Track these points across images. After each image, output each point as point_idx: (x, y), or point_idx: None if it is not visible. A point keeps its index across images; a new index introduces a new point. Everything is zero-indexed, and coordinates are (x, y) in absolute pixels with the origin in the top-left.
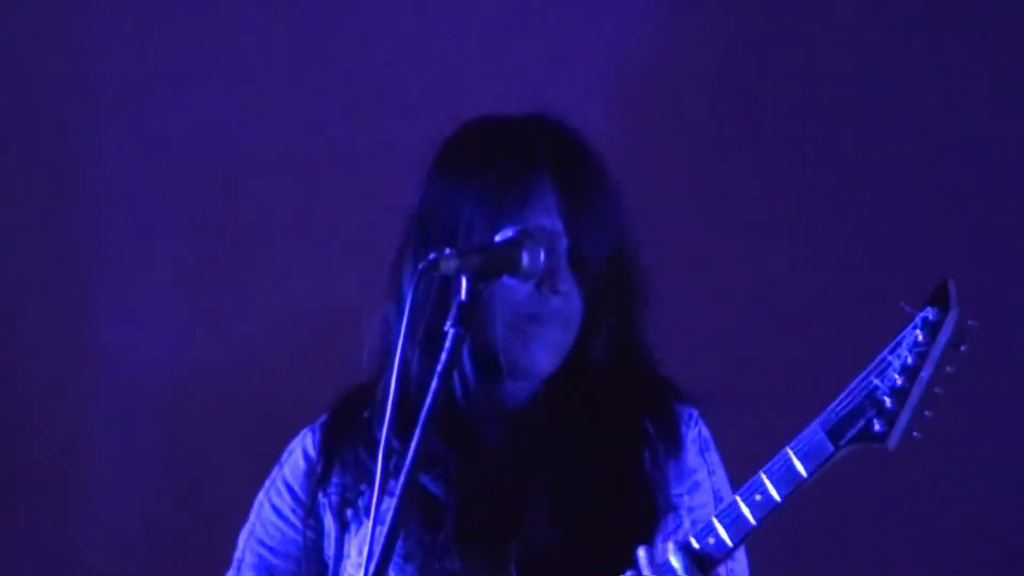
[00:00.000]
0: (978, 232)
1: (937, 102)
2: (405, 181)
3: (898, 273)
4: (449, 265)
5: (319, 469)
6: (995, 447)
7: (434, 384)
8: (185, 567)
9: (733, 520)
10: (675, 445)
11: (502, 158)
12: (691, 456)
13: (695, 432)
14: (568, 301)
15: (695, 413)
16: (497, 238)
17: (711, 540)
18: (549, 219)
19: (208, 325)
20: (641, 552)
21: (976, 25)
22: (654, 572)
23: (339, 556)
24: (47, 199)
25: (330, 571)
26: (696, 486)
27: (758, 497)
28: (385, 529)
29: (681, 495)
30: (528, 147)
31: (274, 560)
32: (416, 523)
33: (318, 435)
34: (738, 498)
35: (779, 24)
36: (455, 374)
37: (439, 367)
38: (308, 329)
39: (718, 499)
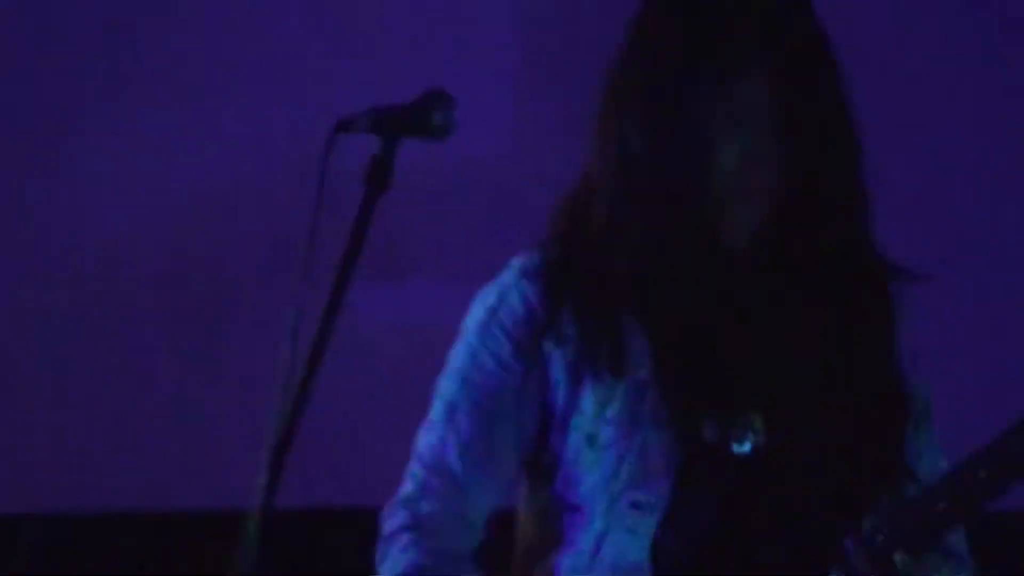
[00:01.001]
0: None
1: None
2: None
3: None
4: (361, 124)
5: (543, 318)
6: None
7: None
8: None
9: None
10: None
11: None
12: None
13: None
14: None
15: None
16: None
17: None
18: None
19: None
20: None
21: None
22: None
23: (569, 410)
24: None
25: (554, 424)
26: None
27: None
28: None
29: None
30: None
31: (492, 407)
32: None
33: (539, 283)
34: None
35: None
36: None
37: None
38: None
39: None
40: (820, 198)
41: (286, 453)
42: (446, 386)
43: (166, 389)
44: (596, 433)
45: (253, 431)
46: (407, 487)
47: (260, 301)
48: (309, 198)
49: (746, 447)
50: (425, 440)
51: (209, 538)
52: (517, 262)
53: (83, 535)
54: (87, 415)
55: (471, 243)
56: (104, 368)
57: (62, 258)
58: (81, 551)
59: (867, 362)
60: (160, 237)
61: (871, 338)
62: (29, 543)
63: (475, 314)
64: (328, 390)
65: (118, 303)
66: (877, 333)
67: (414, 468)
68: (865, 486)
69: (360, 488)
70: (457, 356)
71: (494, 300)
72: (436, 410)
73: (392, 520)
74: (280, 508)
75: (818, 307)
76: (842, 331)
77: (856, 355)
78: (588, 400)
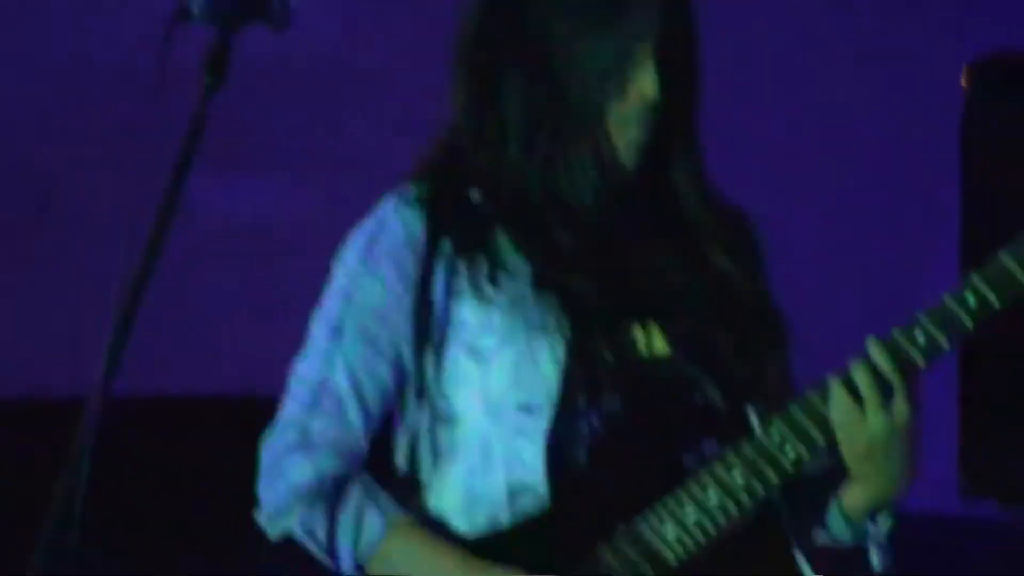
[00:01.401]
0: None
1: None
2: None
3: None
4: (198, 11)
5: (423, 240)
6: None
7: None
8: None
9: (942, 319)
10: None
11: None
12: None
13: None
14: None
15: None
16: None
17: (920, 338)
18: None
19: None
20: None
21: None
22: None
23: (449, 326)
24: None
25: (435, 341)
26: None
27: (971, 301)
28: None
29: None
30: None
31: (377, 328)
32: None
33: (418, 209)
34: (949, 298)
35: None
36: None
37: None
38: None
39: None
40: (683, 135)
41: (124, 344)
42: (329, 310)
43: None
44: (477, 345)
45: (92, 322)
46: (292, 408)
47: (98, 194)
48: (150, 89)
49: (630, 353)
50: (308, 363)
51: (47, 426)
52: (393, 194)
53: None
54: None
55: (311, 136)
56: None
57: None
58: None
59: (745, 281)
60: None
61: (745, 262)
62: None
63: (355, 244)
64: (167, 283)
65: None
66: (750, 259)
67: (298, 390)
68: (740, 399)
69: (196, 378)
70: (338, 282)
71: (374, 227)
72: (318, 334)
73: (279, 440)
74: (119, 396)
75: (695, 227)
76: (722, 250)
77: (734, 274)
78: (468, 313)
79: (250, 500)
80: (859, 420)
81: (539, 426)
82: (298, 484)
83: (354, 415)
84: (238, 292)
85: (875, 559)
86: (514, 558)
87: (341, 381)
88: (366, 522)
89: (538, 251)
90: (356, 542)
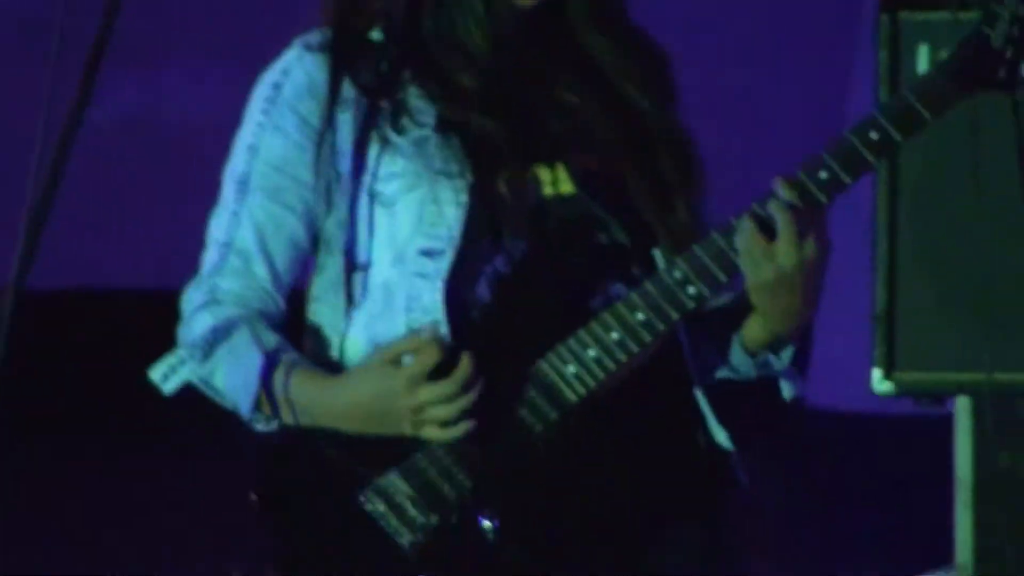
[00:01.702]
0: None
1: None
2: None
3: None
4: None
5: (326, 88)
6: None
7: None
8: None
9: (845, 156)
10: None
11: None
12: None
13: None
14: None
15: None
16: None
17: (823, 175)
18: None
19: None
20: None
21: None
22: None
23: (355, 172)
24: None
25: (341, 189)
26: None
27: (874, 136)
28: None
29: None
30: None
31: (282, 181)
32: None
33: (321, 55)
34: (851, 135)
35: None
36: None
37: None
38: None
39: None
40: None
41: (38, 236)
42: (235, 166)
43: None
44: (382, 190)
45: (5, 214)
46: (204, 268)
47: (10, 87)
48: None
49: (535, 193)
50: (217, 221)
51: None
52: (299, 40)
53: None
54: None
55: (228, 28)
56: None
57: None
58: None
59: (657, 117)
60: None
61: (658, 97)
62: None
63: (260, 93)
64: (81, 175)
65: None
66: (663, 94)
67: (210, 249)
68: (647, 240)
69: (112, 270)
70: (244, 136)
71: (278, 76)
72: (227, 191)
73: (191, 299)
74: (33, 288)
75: (604, 63)
76: (631, 85)
77: (646, 109)
78: (373, 159)
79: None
80: (767, 254)
81: (440, 268)
82: (196, 337)
83: (261, 270)
84: (151, 182)
85: (785, 388)
86: None
87: (248, 237)
88: (247, 363)
89: (440, 94)
90: (245, 384)
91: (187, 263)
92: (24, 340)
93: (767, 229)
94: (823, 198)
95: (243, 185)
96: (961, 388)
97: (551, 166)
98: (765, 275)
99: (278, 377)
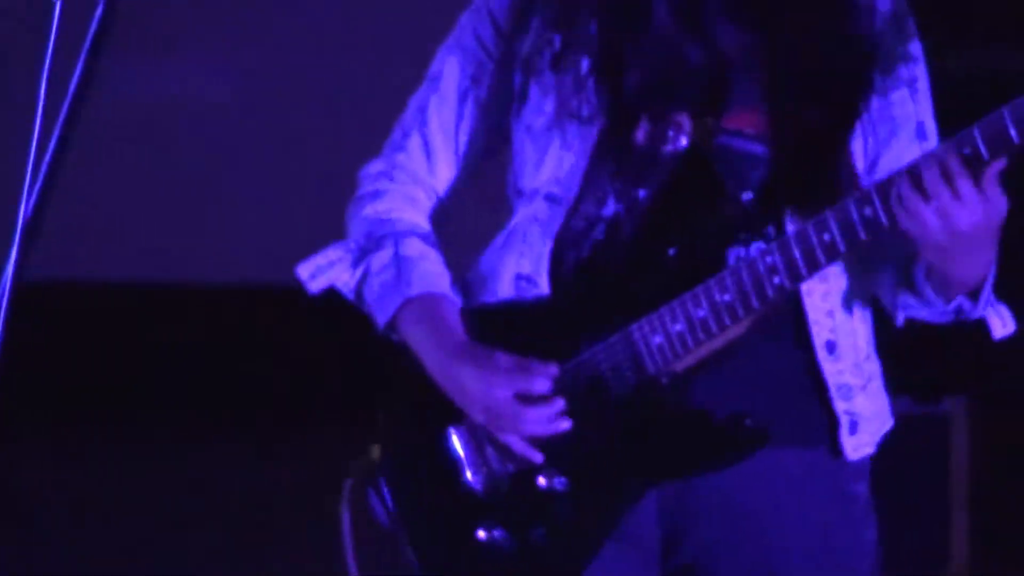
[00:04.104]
0: None
1: None
2: None
3: None
4: None
5: (520, 8)
6: None
7: None
8: None
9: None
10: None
11: None
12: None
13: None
14: None
15: None
16: None
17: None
18: None
19: None
20: None
21: None
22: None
23: (520, 98)
24: None
25: (511, 110)
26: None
27: (967, 151)
28: None
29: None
30: None
31: (467, 83)
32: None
33: None
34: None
35: None
36: None
37: None
38: None
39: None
40: None
41: (38, 226)
42: (437, 60)
43: None
44: (533, 123)
45: (4, 205)
46: (388, 144)
47: (9, 74)
48: None
49: (669, 149)
50: (412, 102)
51: None
52: None
53: None
54: None
55: (229, 17)
56: None
57: None
58: None
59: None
60: None
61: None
62: None
63: (472, 3)
64: (83, 163)
65: None
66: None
67: (396, 131)
68: (780, 203)
69: (114, 262)
70: (452, 32)
71: None
72: (423, 87)
73: (371, 168)
74: (29, 281)
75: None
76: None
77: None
78: (534, 89)
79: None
80: (940, 210)
81: (556, 216)
82: (350, 240)
83: (439, 158)
84: (153, 170)
85: (996, 327)
86: (505, 336)
87: (432, 120)
88: (390, 291)
89: (607, 34)
90: (381, 308)
91: (190, 255)
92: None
93: (924, 188)
94: (987, 154)
95: (433, 82)
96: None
97: (699, 116)
98: (933, 235)
99: (409, 316)
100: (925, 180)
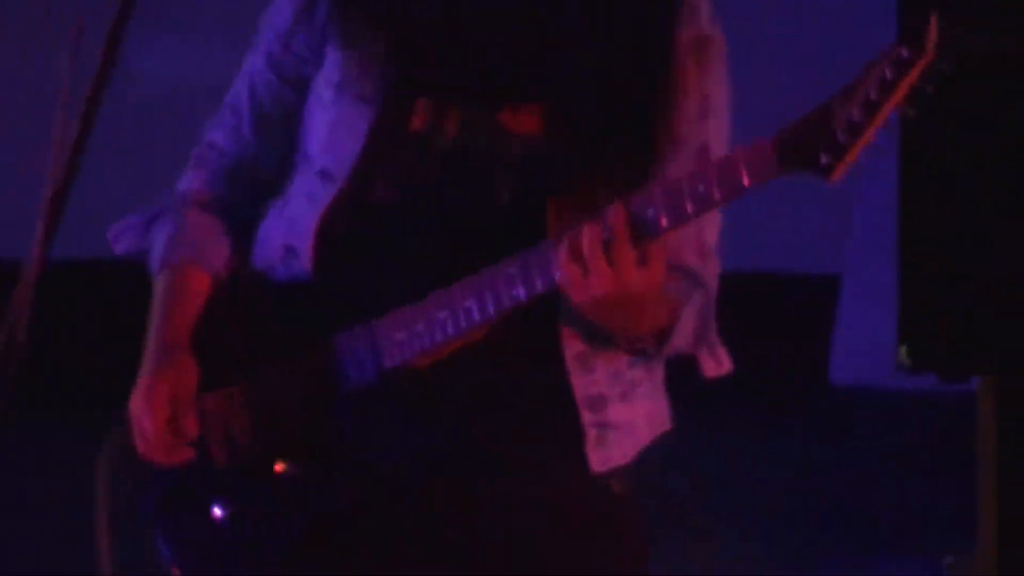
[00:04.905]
0: None
1: None
2: None
3: None
4: None
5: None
6: None
7: None
8: None
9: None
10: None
11: None
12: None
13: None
14: None
15: None
16: None
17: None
18: None
19: None
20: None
21: None
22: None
23: (316, 69)
24: None
25: (308, 78)
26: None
27: (700, 188)
28: None
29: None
30: None
31: (277, 47)
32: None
33: None
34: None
35: None
36: None
37: None
38: None
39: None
40: None
41: (62, 206)
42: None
43: None
44: (323, 94)
45: (29, 184)
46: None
47: (32, 56)
48: None
49: (441, 141)
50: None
51: None
52: None
53: None
54: None
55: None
56: None
57: None
58: None
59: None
60: None
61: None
62: None
63: None
64: (104, 144)
65: None
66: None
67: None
68: (538, 203)
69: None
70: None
71: None
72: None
73: (197, 146)
74: (55, 259)
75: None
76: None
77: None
78: (329, 58)
79: None
80: (582, 279)
81: (328, 194)
82: (152, 209)
83: (248, 129)
84: (173, 150)
85: (706, 365)
86: (264, 311)
87: (243, 102)
88: (155, 250)
89: (400, 18)
90: (152, 268)
91: None
92: (48, 310)
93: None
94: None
95: (252, 48)
96: (985, 366)
97: (474, 111)
98: (584, 299)
99: (160, 279)
100: (584, 245)
